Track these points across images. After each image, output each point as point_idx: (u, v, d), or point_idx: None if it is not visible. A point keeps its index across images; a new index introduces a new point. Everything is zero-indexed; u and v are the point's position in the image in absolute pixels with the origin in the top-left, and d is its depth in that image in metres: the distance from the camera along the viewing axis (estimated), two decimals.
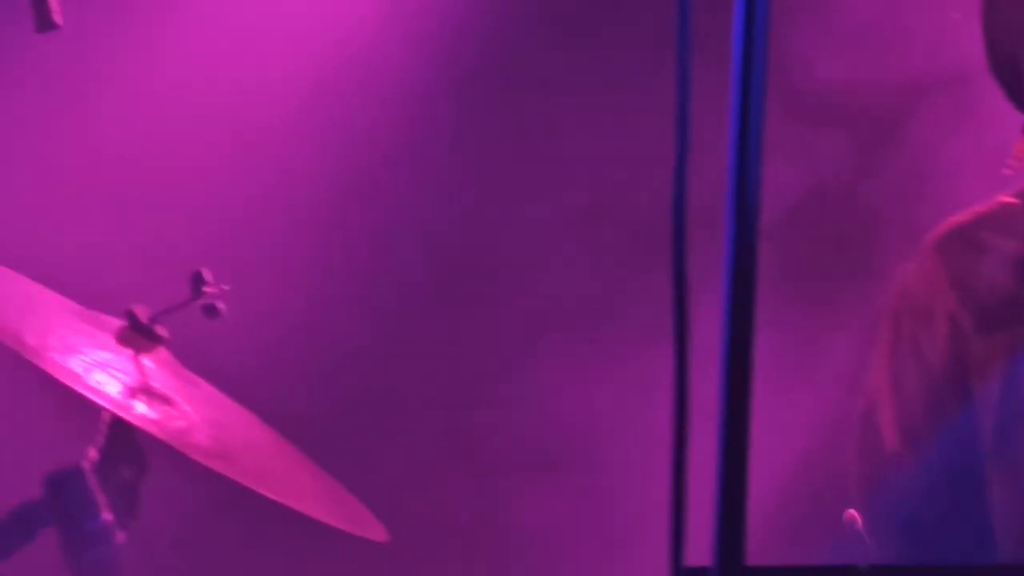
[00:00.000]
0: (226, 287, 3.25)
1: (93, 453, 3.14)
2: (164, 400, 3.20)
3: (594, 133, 5.57)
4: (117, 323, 3.27)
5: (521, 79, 5.74)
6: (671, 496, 1.89)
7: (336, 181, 6.13)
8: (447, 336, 5.56)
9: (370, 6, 5.77)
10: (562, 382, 5.42)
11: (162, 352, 3.29)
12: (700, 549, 2.04)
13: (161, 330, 3.23)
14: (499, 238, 5.57)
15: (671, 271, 1.98)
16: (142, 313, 3.21)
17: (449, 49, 5.80)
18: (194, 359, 3.54)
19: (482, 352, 5.52)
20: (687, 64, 1.87)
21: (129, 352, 3.25)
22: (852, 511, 3.32)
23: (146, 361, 3.25)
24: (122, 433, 3.13)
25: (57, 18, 3.22)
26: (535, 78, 5.86)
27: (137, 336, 3.22)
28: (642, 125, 5.18)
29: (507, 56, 5.75)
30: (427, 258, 5.97)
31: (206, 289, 3.21)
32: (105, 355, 3.20)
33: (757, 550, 2.15)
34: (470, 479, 5.59)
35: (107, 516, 3.05)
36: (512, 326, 5.80)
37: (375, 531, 3.53)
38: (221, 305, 3.24)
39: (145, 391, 3.16)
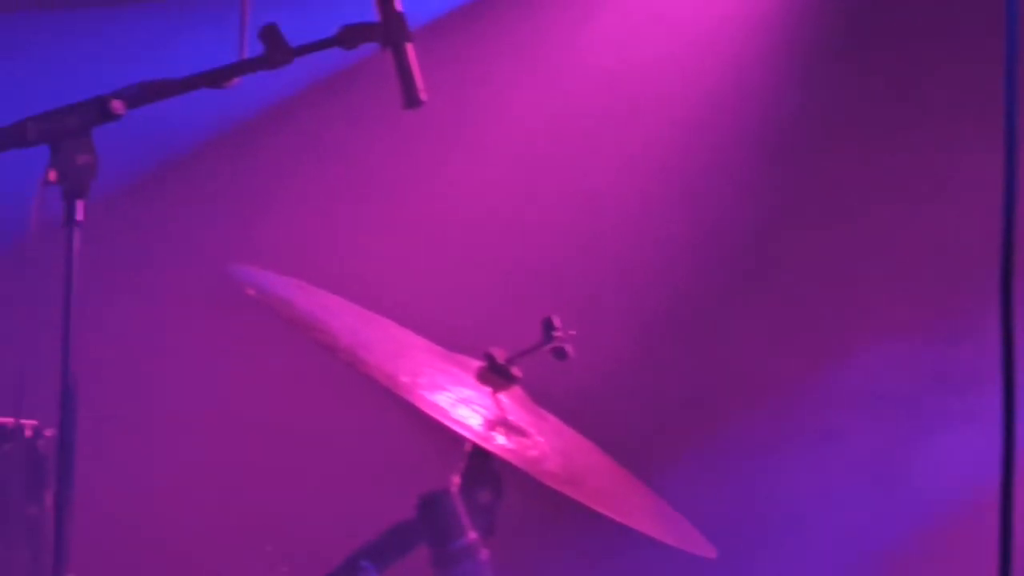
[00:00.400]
0: (572, 332, 3.46)
1: (456, 478, 3.37)
2: (519, 432, 3.41)
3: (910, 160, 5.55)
4: (477, 364, 3.50)
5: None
6: None
7: (667, 229, 6.31)
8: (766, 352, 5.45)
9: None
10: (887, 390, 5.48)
11: (516, 389, 3.51)
12: None
13: (516, 370, 3.46)
14: (807, 252, 5.55)
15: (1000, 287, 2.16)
16: (499, 355, 3.45)
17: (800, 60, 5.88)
18: (542, 395, 3.77)
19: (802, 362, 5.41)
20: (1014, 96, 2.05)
21: (488, 389, 3.47)
22: None
23: (503, 397, 3.47)
24: (481, 460, 3.36)
25: (423, 96, 3.44)
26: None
27: (495, 376, 3.45)
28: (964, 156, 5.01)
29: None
30: (746, 279, 5.72)
31: (556, 334, 3.42)
32: (467, 392, 3.42)
33: None
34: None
35: (472, 535, 3.27)
36: (824, 336, 5.86)
37: (705, 549, 3.65)
38: (569, 348, 3.44)
39: (503, 424, 3.39)
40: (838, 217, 5.69)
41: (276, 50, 3.43)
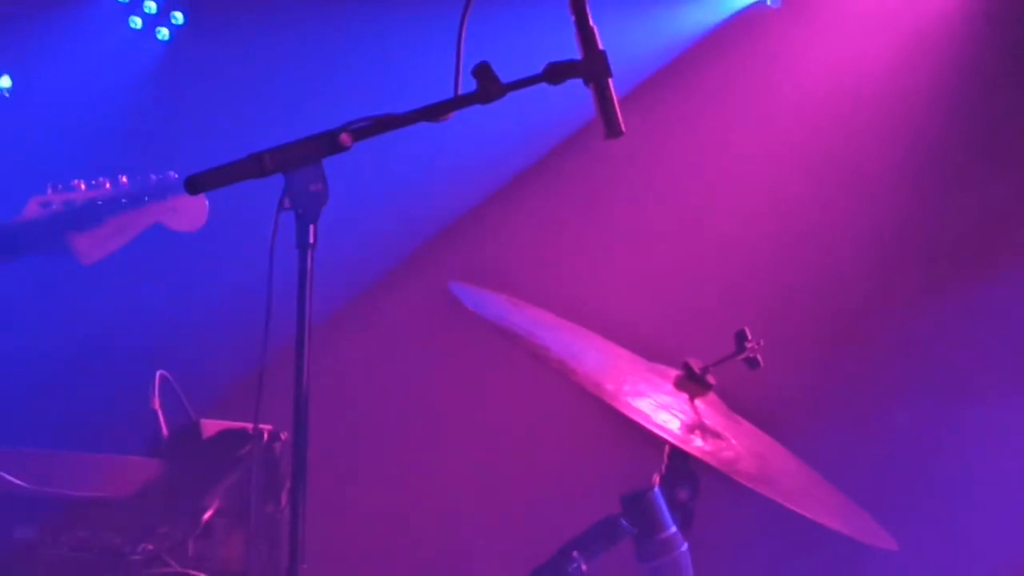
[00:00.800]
0: (763, 342, 3.50)
1: (657, 477, 3.42)
2: (715, 435, 3.47)
3: None
4: (675, 373, 3.57)
5: None
6: None
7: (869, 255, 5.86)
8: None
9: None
10: None
11: (712, 396, 3.57)
12: None
13: (711, 378, 3.52)
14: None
15: None
16: (696, 364, 3.52)
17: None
18: (737, 402, 3.76)
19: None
20: None
21: (685, 396, 3.53)
22: None
23: (699, 403, 3.53)
24: (680, 461, 3.41)
25: (623, 127, 3.45)
26: None
27: (692, 383, 3.52)
28: None
29: None
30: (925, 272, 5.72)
31: (748, 344, 3.49)
32: (666, 399, 3.48)
33: None
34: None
35: (672, 529, 3.34)
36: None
37: (886, 541, 3.65)
38: (760, 358, 3.47)
39: (700, 428, 3.45)
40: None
41: (489, 86, 3.55)
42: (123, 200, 3.92)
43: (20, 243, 4.01)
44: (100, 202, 3.93)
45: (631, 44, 5.88)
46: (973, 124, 5.65)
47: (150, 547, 4.33)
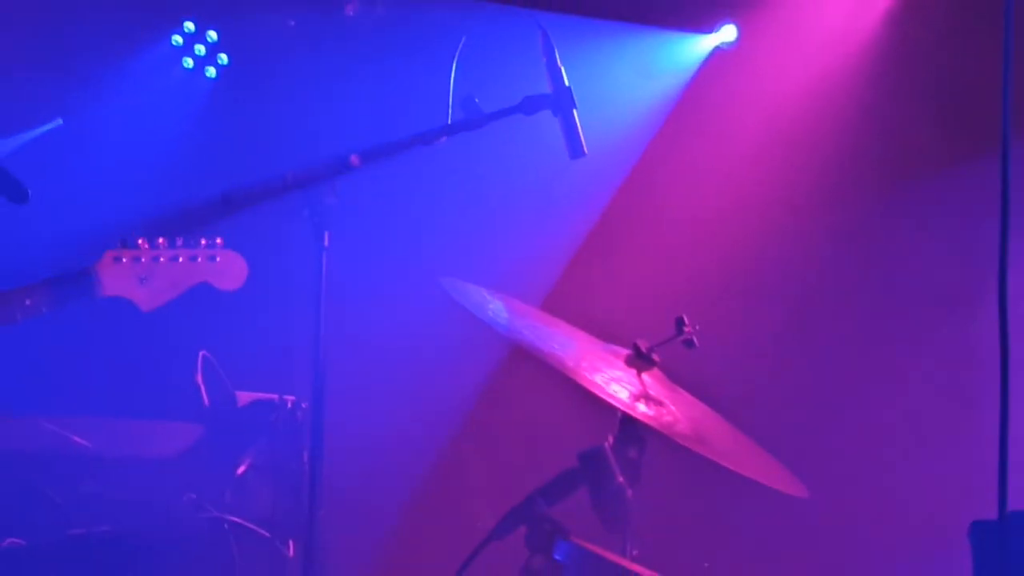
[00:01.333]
0: (698, 327, 3.75)
1: (610, 439, 3.66)
2: (658, 403, 3.68)
3: None
4: (625, 352, 3.77)
5: None
6: None
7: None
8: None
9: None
10: None
11: (656, 371, 3.78)
12: None
13: (656, 356, 3.74)
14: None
15: None
16: (643, 345, 3.74)
17: None
18: (676, 375, 3.98)
19: None
20: None
21: (634, 371, 3.73)
22: None
23: (645, 377, 3.74)
24: (629, 425, 3.66)
25: (585, 150, 3.96)
26: None
27: (639, 360, 3.75)
28: None
29: None
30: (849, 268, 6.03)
31: (686, 329, 3.71)
32: (618, 373, 3.67)
33: None
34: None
35: (621, 479, 3.56)
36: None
37: (798, 489, 3.88)
38: (696, 339, 3.72)
39: (645, 397, 3.69)
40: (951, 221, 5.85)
41: (473, 116, 3.99)
42: (179, 259, 4.11)
43: (93, 290, 4.18)
44: (160, 259, 4.13)
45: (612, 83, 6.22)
46: (886, 136, 6.06)
47: (194, 496, 4.58)
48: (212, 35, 6.38)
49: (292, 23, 6.24)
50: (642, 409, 3.63)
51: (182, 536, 4.67)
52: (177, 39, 6.38)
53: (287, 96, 6.49)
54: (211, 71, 6.66)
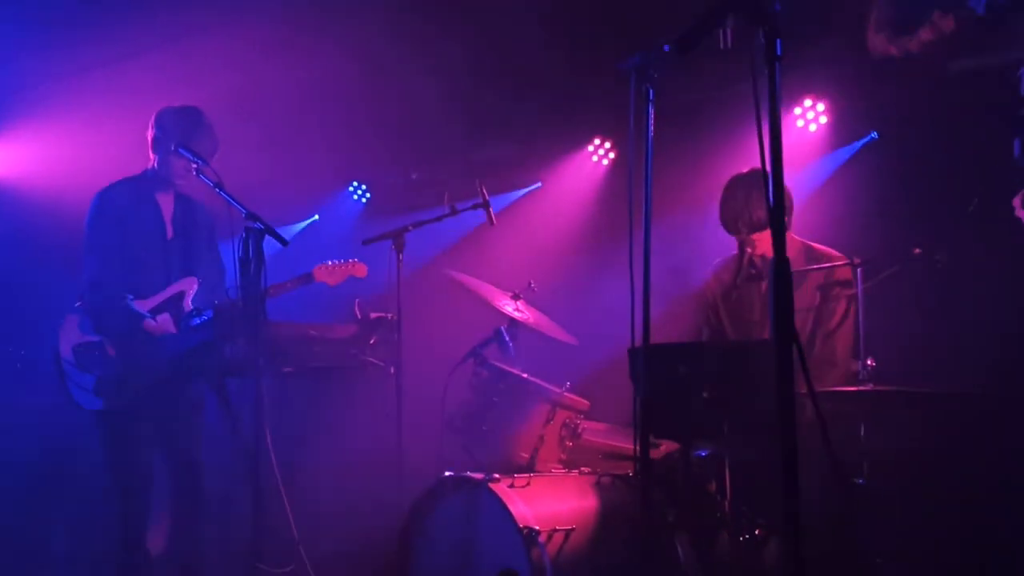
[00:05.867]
0: (535, 286, 6.03)
1: (503, 325, 5.84)
2: (524, 313, 5.99)
3: None
4: (511, 292, 6.33)
5: None
6: None
7: None
8: None
9: None
10: None
11: (522, 302, 6.34)
12: None
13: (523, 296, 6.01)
14: None
15: None
16: (520, 291, 6.09)
17: None
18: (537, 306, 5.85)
19: None
20: None
21: (510, 298, 6.08)
22: None
23: (519, 303, 6.27)
24: (511, 323, 5.99)
25: (494, 222, 6.37)
26: None
27: (518, 298, 6.20)
28: None
29: None
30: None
31: (532, 287, 6.08)
32: (510, 301, 6.33)
33: None
34: None
35: (512, 345, 5.77)
36: None
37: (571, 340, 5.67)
38: (534, 285, 5.93)
39: (518, 310, 6.12)
40: None
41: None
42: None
43: (311, 279, 6.16)
44: (330, 263, 5.97)
45: None
46: None
47: (353, 351, 6.37)
48: None
49: None
50: (516, 315, 6.16)
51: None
52: None
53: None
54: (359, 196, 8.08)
